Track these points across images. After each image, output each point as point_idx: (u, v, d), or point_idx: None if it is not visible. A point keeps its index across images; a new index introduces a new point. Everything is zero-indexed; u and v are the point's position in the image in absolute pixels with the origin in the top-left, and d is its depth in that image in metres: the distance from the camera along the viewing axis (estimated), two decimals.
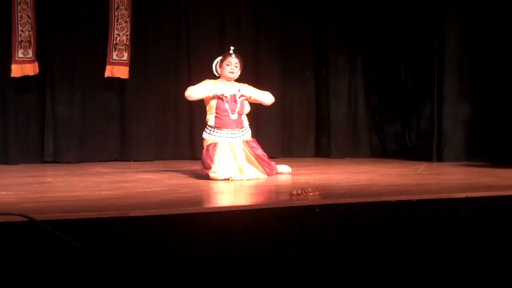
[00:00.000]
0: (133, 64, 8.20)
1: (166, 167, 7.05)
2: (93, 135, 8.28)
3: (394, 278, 4.07)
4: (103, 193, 4.66)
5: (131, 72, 8.18)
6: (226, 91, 5.93)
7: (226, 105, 5.88)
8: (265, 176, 5.83)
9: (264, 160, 5.91)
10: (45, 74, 8.00)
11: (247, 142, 5.92)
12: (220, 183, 5.36)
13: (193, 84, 6.09)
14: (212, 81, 6.05)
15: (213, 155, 5.70)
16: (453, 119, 8.05)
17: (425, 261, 4.14)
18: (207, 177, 5.65)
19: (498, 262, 4.33)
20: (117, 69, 8.08)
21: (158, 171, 6.60)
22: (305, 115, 9.28)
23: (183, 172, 6.46)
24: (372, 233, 4.03)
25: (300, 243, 3.84)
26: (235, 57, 6.02)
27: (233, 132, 5.89)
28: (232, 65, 5.99)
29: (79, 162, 7.99)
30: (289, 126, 9.19)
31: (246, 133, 5.98)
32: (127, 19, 8.09)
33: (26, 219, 3.30)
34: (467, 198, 4.30)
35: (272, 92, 8.99)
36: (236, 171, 5.65)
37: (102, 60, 8.05)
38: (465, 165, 7.34)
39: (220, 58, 6.11)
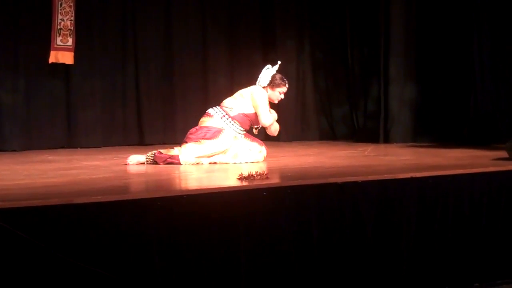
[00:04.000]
0: (78, 50, 8.07)
1: (114, 154, 6.97)
2: (39, 122, 8.13)
3: (341, 258, 4.11)
4: (48, 180, 4.60)
5: (76, 58, 8.04)
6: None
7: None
8: (262, 150, 5.81)
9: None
10: None
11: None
12: (167, 168, 5.32)
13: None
14: (267, 98, 5.91)
15: (214, 138, 5.64)
16: (399, 101, 8.15)
17: (371, 241, 4.19)
18: (167, 159, 5.58)
19: (442, 239, 4.41)
20: (62, 54, 7.95)
21: (105, 158, 6.52)
22: None
23: None
24: (319, 215, 4.06)
25: (248, 226, 3.85)
26: (287, 86, 5.94)
27: (242, 130, 5.83)
28: (283, 95, 5.93)
29: (25, 150, 7.84)
30: None
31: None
32: (71, 4, 7.93)
33: None
34: (412, 178, 4.37)
35: (221, 77, 9.05)
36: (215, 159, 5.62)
37: (46, 46, 7.90)
38: (412, 146, 7.45)
39: (269, 74, 5.91)
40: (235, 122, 5.76)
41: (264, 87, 5.91)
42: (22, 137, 7.99)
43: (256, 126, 5.94)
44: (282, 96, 5.95)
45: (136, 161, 5.68)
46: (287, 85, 5.93)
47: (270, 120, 5.87)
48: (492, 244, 4.56)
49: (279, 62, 5.99)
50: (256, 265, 3.86)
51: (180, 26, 8.81)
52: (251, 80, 9.16)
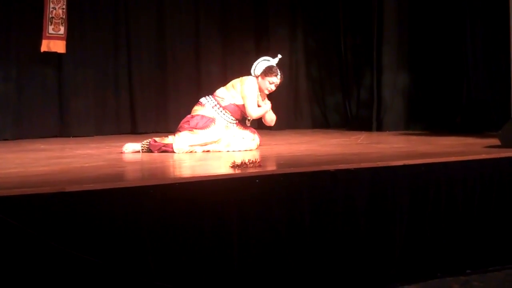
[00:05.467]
0: (70, 38, 8.04)
1: (106, 142, 6.95)
2: (31, 112, 8.11)
3: (333, 246, 4.12)
4: (40, 169, 4.58)
5: (68, 47, 8.03)
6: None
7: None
8: (256, 138, 5.83)
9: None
10: None
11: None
12: (161, 156, 5.31)
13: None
14: (256, 89, 5.87)
15: (206, 128, 5.64)
16: (392, 89, 8.15)
17: (363, 228, 4.20)
18: (161, 149, 5.57)
19: (434, 226, 4.42)
20: (54, 43, 7.92)
21: (97, 147, 6.50)
22: None
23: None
24: (311, 202, 4.05)
25: (240, 214, 3.84)
26: (280, 78, 5.87)
27: (233, 119, 5.81)
28: (273, 85, 5.87)
29: (17, 139, 7.82)
30: None
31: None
32: None
33: None
34: (404, 166, 4.37)
35: (214, 66, 9.03)
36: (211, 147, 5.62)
37: (38, 35, 7.86)
38: (404, 133, 7.46)
39: (266, 65, 5.87)
40: (226, 112, 5.76)
41: (256, 76, 5.89)
42: (14, 126, 7.98)
43: (248, 118, 5.93)
44: (273, 87, 5.90)
45: (131, 149, 5.67)
46: (279, 77, 5.85)
47: (256, 112, 5.84)
48: (484, 231, 4.57)
49: (279, 56, 5.96)
50: (249, 252, 3.85)
51: (172, 15, 8.79)
52: (244, 69, 9.15)
